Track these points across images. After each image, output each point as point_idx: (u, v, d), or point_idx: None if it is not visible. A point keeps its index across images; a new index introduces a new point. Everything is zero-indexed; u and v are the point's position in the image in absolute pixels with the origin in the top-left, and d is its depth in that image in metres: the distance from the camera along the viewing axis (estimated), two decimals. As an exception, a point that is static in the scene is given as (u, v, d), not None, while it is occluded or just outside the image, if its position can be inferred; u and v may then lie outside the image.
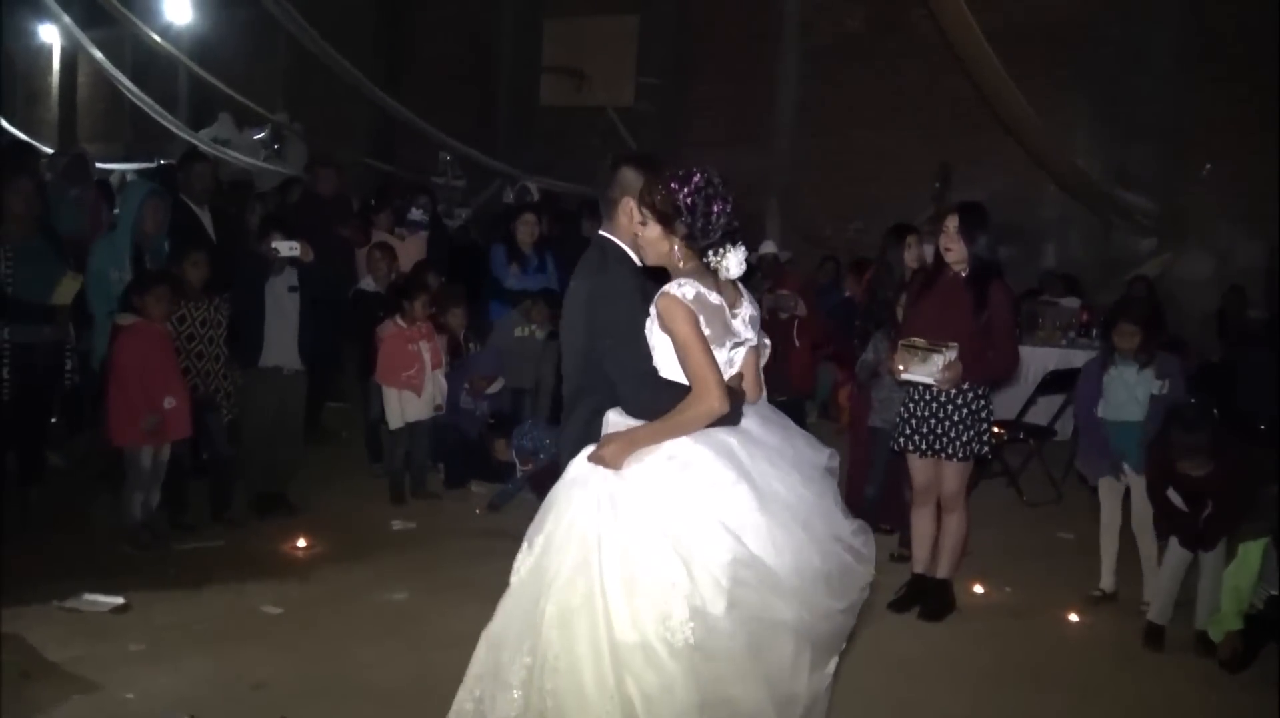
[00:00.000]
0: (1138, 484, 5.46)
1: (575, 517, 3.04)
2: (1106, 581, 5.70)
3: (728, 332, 3.16)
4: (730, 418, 3.11)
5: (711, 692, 2.90)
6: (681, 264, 3.16)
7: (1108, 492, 5.70)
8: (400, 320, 6.93)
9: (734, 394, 3.13)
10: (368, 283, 7.82)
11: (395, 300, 7.11)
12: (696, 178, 3.12)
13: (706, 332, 3.07)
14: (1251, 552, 4.97)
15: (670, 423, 3.06)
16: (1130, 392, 5.43)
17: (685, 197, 3.10)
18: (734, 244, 3.14)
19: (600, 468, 3.07)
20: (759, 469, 3.05)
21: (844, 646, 3.26)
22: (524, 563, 3.12)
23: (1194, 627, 5.15)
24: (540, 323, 7.74)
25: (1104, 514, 5.72)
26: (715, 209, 3.10)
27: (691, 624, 2.86)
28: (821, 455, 3.27)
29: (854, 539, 3.20)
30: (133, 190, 7.52)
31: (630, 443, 3.08)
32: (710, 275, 3.14)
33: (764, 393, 3.39)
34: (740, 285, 3.28)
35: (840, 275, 10.92)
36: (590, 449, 3.13)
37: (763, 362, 3.38)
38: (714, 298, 3.11)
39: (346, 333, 8.13)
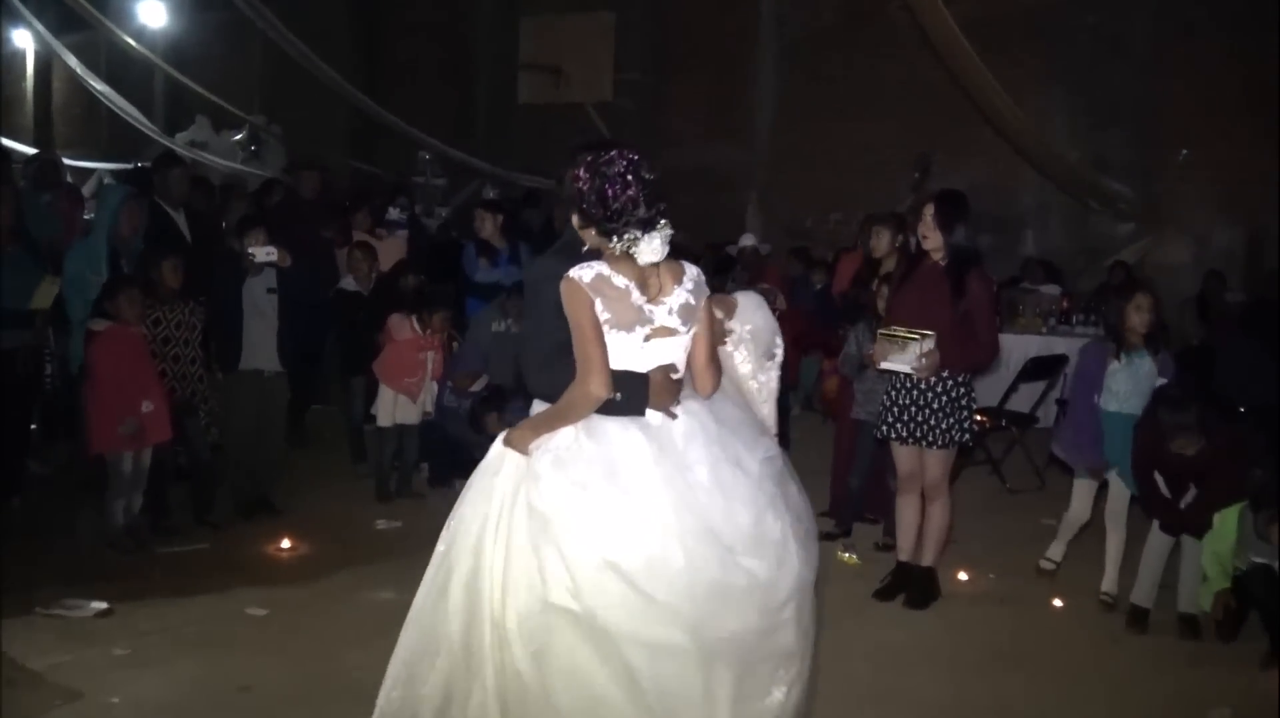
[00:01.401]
0: (1117, 481, 5.45)
1: (478, 510, 3.04)
2: (1056, 551, 5.78)
3: (639, 318, 3.03)
4: (624, 407, 3.01)
5: (573, 700, 2.83)
6: (603, 248, 3.07)
7: (1083, 486, 5.67)
8: (417, 326, 6.94)
9: (632, 382, 3.02)
10: (348, 283, 7.80)
11: (415, 306, 7.12)
12: (592, 159, 3.03)
13: (605, 316, 2.98)
14: (1228, 518, 4.98)
15: (557, 409, 3.03)
16: (1138, 385, 5.31)
17: (582, 182, 3.03)
18: (646, 230, 3.00)
19: (511, 453, 3.06)
20: (654, 471, 2.94)
21: (794, 671, 3.02)
22: (438, 551, 3.15)
23: (1176, 610, 5.17)
24: (516, 316, 7.73)
25: (1074, 505, 5.70)
26: (610, 193, 2.98)
27: (544, 627, 2.84)
28: (756, 454, 3.10)
29: (780, 549, 2.98)
30: (109, 194, 7.49)
31: (532, 429, 3.06)
32: (628, 260, 3.02)
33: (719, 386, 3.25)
34: (686, 273, 3.12)
35: (811, 267, 10.91)
36: (504, 434, 3.13)
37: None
38: (619, 281, 2.99)
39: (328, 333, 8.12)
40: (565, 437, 3.01)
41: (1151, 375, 5.32)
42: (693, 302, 3.10)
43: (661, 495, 2.91)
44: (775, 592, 2.96)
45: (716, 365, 3.21)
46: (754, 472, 3.06)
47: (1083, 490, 5.68)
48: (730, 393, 3.32)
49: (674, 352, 3.09)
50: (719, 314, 3.39)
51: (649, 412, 3.05)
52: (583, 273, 2.98)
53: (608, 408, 3.02)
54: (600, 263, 3.02)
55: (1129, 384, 5.35)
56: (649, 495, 2.90)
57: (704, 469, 2.99)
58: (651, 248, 3.01)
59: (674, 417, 3.06)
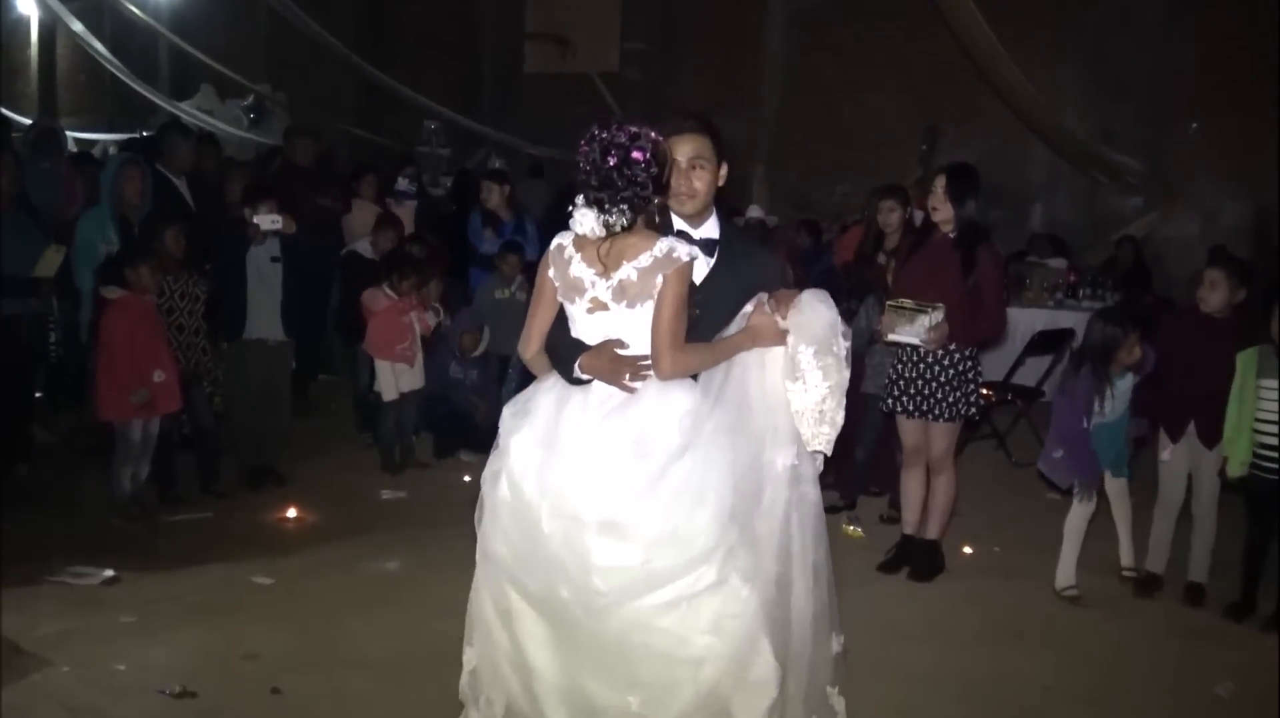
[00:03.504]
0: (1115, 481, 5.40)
1: None
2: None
3: (579, 289, 3.08)
4: (561, 370, 3.15)
5: (485, 618, 3.18)
6: None
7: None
8: (390, 292, 6.91)
9: (567, 350, 3.11)
10: (364, 247, 7.75)
11: (385, 271, 7.08)
12: (602, 125, 3.08)
13: (557, 283, 3.13)
14: (1245, 360, 4.99)
15: None
16: (1120, 398, 5.26)
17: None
18: (588, 204, 3.02)
19: None
20: (554, 433, 3.07)
21: (653, 683, 2.92)
22: None
23: (1186, 578, 5.21)
24: (513, 278, 7.70)
25: (1077, 512, 5.31)
26: (582, 152, 3.04)
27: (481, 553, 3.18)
28: (670, 441, 3.00)
29: (638, 545, 2.93)
30: (109, 163, 7.49)
31: None
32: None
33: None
34: (650, 250, 3.01)
35: (820, 239, 10.83)
36: None
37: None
38: (568, 251, 3.10)
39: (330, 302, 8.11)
40: (532, 387, 3.26)
41: (1129, 384, 5.27)
42: (635, 278, 3.02)
43: (545, 456, 3.04)
44: (607, 577, 2.92)
45: (672, 349, 3.03)
46: (676, 466, 2.97)
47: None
48: (757, 390, 3.17)
49: (616, 327, 3.07)
50: (769, 311, 3.17)
51: (597, 383, 3.09)
52: (555, 239, 3.14)
53: (559, 370, 3.17)
54: (568, 233, 3.11)
55: (1122, 399, 5.26)
56: (537, 454, 3.06)
57: (605, 446, 3.01)
58: (581, 222, 3.04)
59: (630, 390, 3.05)
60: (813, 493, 3.18)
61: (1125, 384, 5.24)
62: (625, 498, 2.94)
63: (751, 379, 3.16)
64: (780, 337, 3.16)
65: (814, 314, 3.16)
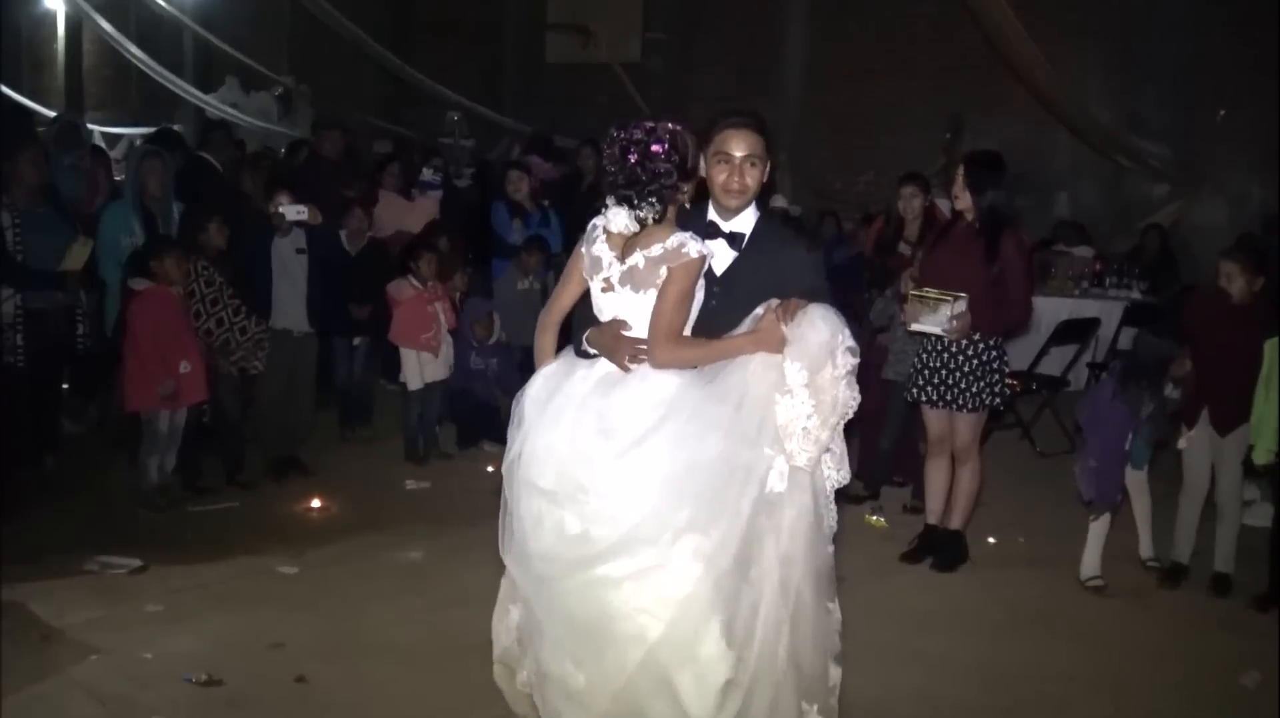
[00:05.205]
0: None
1: None
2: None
3: (598, 268, 3.22)
4: (576, 345, 3.28)
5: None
6: None
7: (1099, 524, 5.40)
8: (415, 282, 6.94)
9: (583, 324, 3.25)
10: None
11: (404, 261, 7.11)
12: (627, 122, 3.18)
13: (584, 261, 3.26)
14: (1273, 348, 4.98)
15: None
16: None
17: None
18: (617, 202, 3.12)
19: None
20: (546, 405, 3.18)
21: (588, 657, 3.02)
22: None
23: (1211, 568, 5.18)
24: (535, 272, 7.71)
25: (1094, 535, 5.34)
26: (609, 153, 3.15)
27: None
28: (639, 425, 3.04)
29: (591, 524, 3.02)
30: (133, 156, 7.54)
31: None
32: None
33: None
34: (663, 242, 3.07)
35: (841, 231, 10.78)
36: None
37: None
38: (598, 231, 3.23)
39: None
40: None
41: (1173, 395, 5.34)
42: (642, 265, 3.11)
43: (537, 426, 3.16)
44: (562, 546, 3.05)
45: (666, 341, 3.08)
46: (636, 449, 3.01)
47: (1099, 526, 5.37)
48: (756, 389, 3.09)
49: (622, 308, 3.18)
50: (776, 318, 3.08)
51: (603, 359, 3.20)
52: (594, 219, 3.27)
53: (573, 340, 3.32)
54: (600, 223, 3.23)
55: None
56: (535, 423, 3.18)
57: (579, 421, 3.10)
58: (614, 220, 3.15)
59: (626, 369, 3.15)
60: (808, 500, 3.07)
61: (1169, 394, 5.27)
62: (585, 474, 3.03)
63: (751, 377, 3.09)
64: (782, 345, 3.07)
65: (811, 330, 3.05)
